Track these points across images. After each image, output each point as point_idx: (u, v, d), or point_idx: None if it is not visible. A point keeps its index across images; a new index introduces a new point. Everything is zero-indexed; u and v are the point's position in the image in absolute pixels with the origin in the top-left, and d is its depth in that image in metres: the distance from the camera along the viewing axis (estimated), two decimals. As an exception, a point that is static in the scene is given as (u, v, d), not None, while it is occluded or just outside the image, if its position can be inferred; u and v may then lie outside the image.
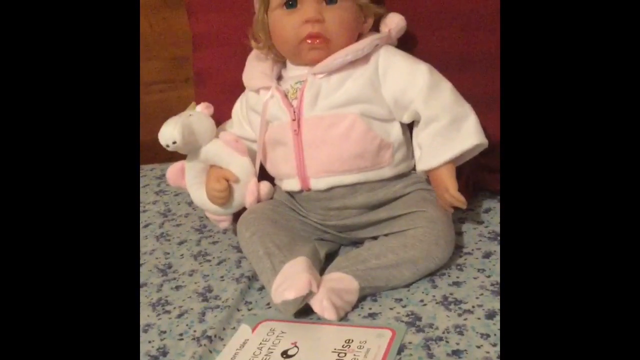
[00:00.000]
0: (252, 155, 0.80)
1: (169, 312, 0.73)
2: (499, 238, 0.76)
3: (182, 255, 0.86)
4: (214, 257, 0.83)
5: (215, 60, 0.92)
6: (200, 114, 0.80)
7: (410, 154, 0.77)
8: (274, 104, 0.76)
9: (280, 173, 0.78)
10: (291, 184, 0.76)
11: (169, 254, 0.87)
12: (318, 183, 0.74)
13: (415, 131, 0.75)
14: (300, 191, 0.76)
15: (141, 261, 0.85)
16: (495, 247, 0.74)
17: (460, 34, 0.82)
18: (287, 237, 0.72)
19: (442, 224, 0.70)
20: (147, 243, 0.90)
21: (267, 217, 0.75)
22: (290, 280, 0.64)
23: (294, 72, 0.77)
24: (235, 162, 0.79)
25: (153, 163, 1.20)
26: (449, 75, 0.76)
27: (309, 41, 0.72)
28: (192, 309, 0.72)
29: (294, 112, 0.74)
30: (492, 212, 0.82)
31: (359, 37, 0.76)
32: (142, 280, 0.80)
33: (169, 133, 0.75)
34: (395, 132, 0.75)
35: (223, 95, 0.87)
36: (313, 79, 0.74)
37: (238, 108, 0.84)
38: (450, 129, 0.71)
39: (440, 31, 0.82)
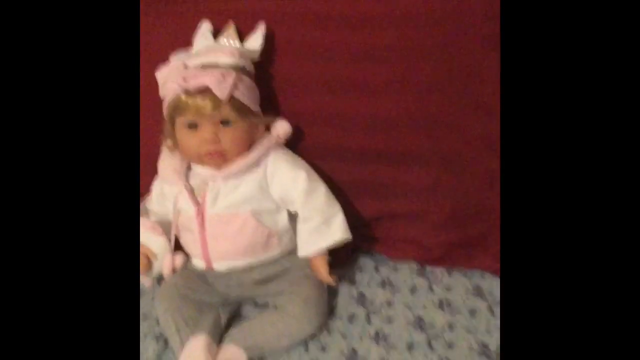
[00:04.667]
0: (170, 226, 0.97)
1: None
2: (362, 299, 0.97)
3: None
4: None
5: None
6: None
7: (293, 235, 0.96)
8: (183, 198, 0.93)
9: (189, 252, 0.96)
10: (198, 263, 0.95)
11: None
12: (219, 265, 0.94)
13: (297, 222, 0.94)
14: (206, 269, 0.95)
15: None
16: (358, 310, 0.95)
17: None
18: (194, 310, 0.91)
19: (315, 302, 0.90)
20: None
21: (178, 293, 0.92)
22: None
23: (199, 169, 0.94)
24: (153, 241, 0.96)
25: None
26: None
27: (209, 156, 0.89)
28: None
29: (198, 209, 0.92)
30: (364, 272, 1.03)
31: (253, 141, 0.93)
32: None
33: None
34: (282, 221, 0.94)
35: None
36: (213, 184, 0.91)
37: (158, 188, 1.00)
38: (322, 227, 0.90)
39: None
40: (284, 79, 0.99)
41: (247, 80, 0.90)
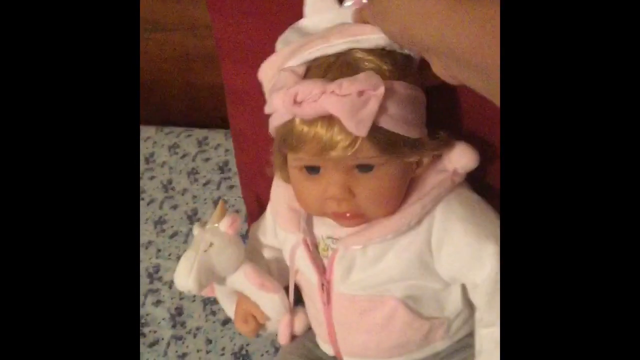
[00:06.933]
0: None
1: None
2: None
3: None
4: None
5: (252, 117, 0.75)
6: (220, 240, 0.66)
7: (470, 313, 0.61)
8: (302, 257, 0.61)
9: (314, 329, 0.66)
10: (325, 348, 0.65)
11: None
12: (352, 362, 0.62)
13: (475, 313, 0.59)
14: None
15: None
16: None
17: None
18: None
19: None
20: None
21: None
22: None
23: (326, 219, 0.60)
24: (263, 298, 0.67)
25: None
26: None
27: (337, 218, 0.55)
28: None
29: (323, 281, 0.59)
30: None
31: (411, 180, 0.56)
32: None
33: (183, 283, 0.64)
34: (452, 302, 0.59)
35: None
36: (345, 251, 0.57)
37: (271, 219, 0.69)
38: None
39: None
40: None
41: (403, 88, 0.51)
